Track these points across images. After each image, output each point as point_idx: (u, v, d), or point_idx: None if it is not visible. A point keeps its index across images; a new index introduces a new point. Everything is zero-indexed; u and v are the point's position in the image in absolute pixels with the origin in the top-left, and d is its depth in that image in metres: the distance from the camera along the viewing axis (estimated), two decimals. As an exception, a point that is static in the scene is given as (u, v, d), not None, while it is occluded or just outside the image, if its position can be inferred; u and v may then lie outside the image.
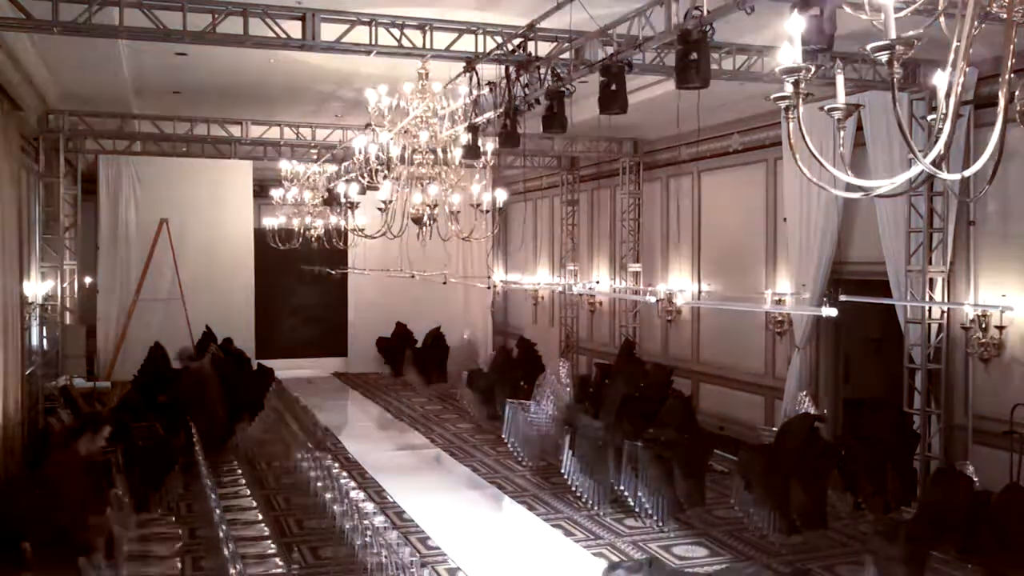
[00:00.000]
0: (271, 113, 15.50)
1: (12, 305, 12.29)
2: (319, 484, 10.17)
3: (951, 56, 2.56)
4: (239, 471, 10.75)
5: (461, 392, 16.23)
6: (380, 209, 9.74)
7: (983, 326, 10.02)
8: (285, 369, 21.67)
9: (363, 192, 11.14)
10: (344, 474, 9.99)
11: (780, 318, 13.29)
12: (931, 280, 10.58)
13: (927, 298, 10.54)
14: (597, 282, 18.80)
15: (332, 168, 15.62)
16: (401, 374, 19.72)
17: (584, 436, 10.70)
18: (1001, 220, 9.99)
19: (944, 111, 2.61)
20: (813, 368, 12.73)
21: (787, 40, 2.70)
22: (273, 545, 7.87)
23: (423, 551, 8.99)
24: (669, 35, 7.45)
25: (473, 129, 9.58)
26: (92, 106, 14.93)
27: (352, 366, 22.06)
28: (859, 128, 10.80)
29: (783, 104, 2.79)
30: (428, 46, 9.05)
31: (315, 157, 15.89)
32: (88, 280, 20.13)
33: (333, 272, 20.41)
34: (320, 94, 14.16)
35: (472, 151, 9.54)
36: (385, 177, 9.80)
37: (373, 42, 8.91)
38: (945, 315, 10.56)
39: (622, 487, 10.30)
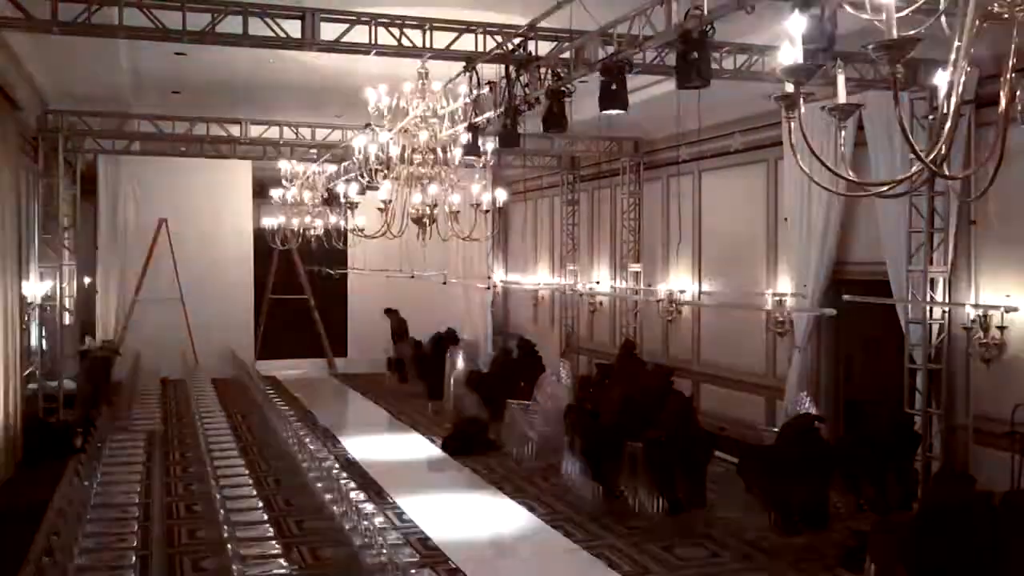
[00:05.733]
0: (270, 113, 15.49)
1: (11, 305, 12.29)
2: (319, 485, 10.16)
3: (952, 56, 2.55)
4: (243, 471, 10.73)
5: (458, 391, 16.14)
6: (380, 209, 9.75)
7: (984, 326, 10.00)
8: (284, 369, 21.71)
9: (363, 192, 11.14)
10: (344, 474, 9.98)
11: (781, 318, 13.27)
12: (932, 280, 10.55)
13: (928, 298, 10.52)
14: (597, 282, 18.78)
15: (332, 168, 15.61)
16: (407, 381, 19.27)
17: (584, 437, 10.70)
18: (1002, 220, 9.97)
19: (945, 111, 2.60)
20: (814, 368, 12.71)
21: (787, 40, 2.69)
22: (277, 545, 7.86)
23: (423, 551, 8.98)
24: (669, 35, 7.44)
25: (473, 129, 9.56)
26: (91, 106, 14.92)
27: (352, 366, 22.06)
28: (860, 128, 10.78)
29: (783, 104, 2.78)
30: (428, 46, 9.04)
31: (315, 157, 15.88)
32: (87, 280, 20.13)
33: (333, 272, 20.41)
34: (320, 94, 14.16)
35: (472, 151, 9.52)
36: (385, 177, 9.80)
37: (373, 42, 8.90)
38: (946, 315, 10.54)
39: (622, 488, 10.29)
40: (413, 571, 6.88)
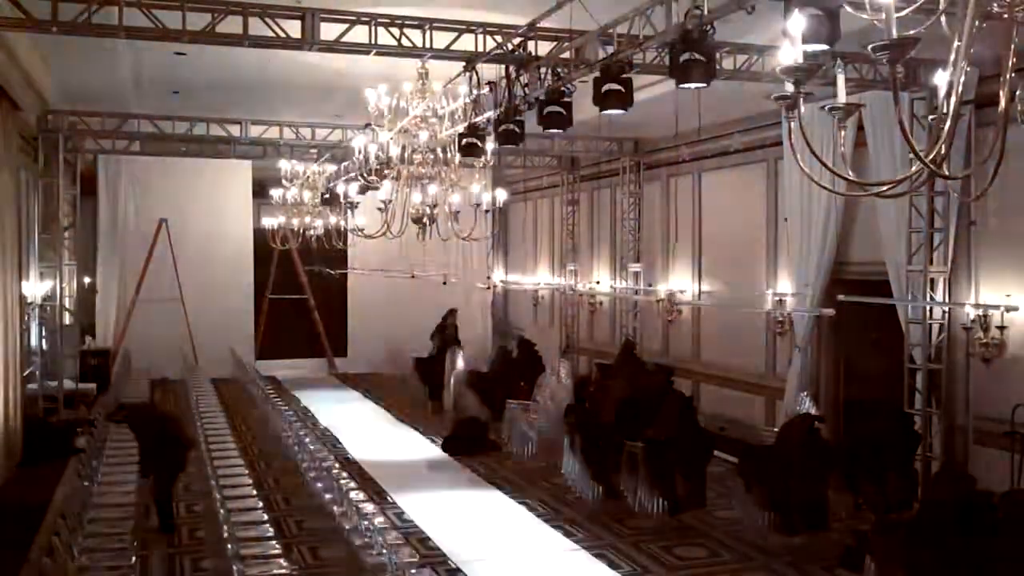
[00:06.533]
0: (270, 113, 15.48)
1: (11, 305, 12.29)
2: (319, 485, 10.16)
3: (952, 56, 2.55)
4: (243, 471, 10.73)
5: (458, 391, 16.12)
6: (380, 209, 9.75)
7: (984, 326, 10.01)
8: (284, 369, 21.71)
9: (363, 192, 11.15)
10: (344, 474, 9.97)
11: (781, 318, 13.27)
12: (932, 280, 10.55)
13: (928, 298, 10.52)
14: (597, 282, 18.78)
15: (332, 168, 15.61)
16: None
17: (584, 437, 10.70)
18: (1002, 220, 9.97)
19: (945, 111, 2.60)
20: (814, 368, 12.71)
21: (787, 39, 2.69)
22: (277, 545, 7.86)
23: (423, 551, 8.98)
24: (669, 35, 7.44)
25: (473, 129, 9.56)
26: (91, 106, 14.92)
27: (352, 366, 22.06)
28: (860, 128, 10.78)
29: (784, 104, 2.78)
30: (428, 46, 9.04)
31: (315, 157, 15.88)
32: (87, 280, 20.14)
33: (333, 272, 20.41)
34: (319, 94, 14.15)
35: (472, 151, 9.52)
36: (385, 177, 9.80)
37: (373, 42, 8.89)
38: (946, 315, 10.54)
39: (623, 488, 10.31)
40: (413, 571, 6.87)
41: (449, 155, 9.74)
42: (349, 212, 11.71)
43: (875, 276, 11.41)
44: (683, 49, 7.12)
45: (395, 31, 8.95)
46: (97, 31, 8.40)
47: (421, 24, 8.98)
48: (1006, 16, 2.48)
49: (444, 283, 17.69)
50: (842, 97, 2.79)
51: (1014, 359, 9.76)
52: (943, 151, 2.61)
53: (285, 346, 22.56)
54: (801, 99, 2.75)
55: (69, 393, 15.47)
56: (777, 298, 13.27)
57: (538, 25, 8.81)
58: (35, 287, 14.76)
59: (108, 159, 19.45)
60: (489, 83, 9.32)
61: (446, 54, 9.14)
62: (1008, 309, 9.75)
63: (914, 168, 2.86)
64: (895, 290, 10.95)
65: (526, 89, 9.08)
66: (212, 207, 20.57)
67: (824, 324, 12.46)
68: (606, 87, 7.98)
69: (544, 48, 9.21)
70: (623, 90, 7.99)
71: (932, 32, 2.68)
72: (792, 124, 2.83)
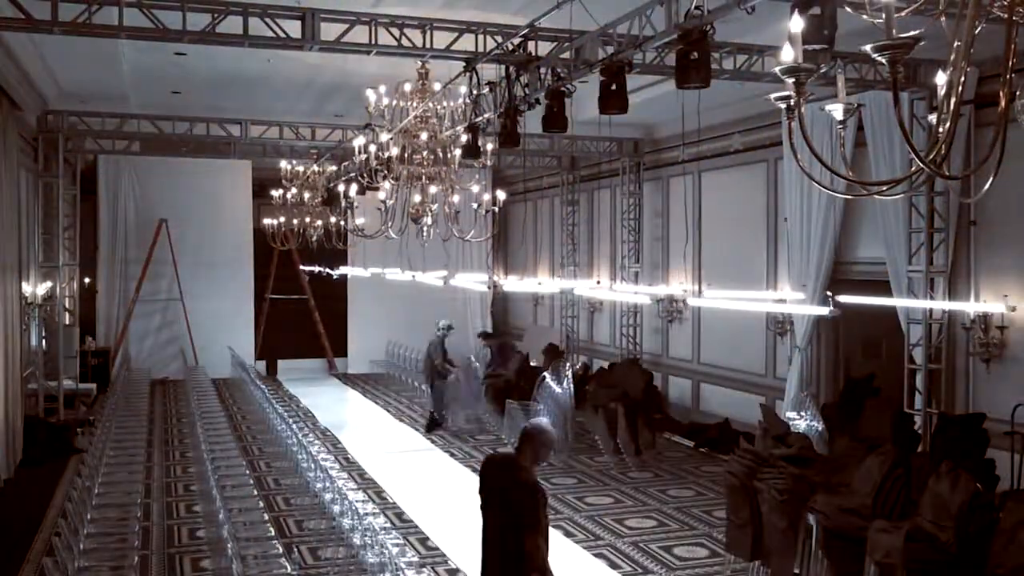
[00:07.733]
0: (270, 113, 15.49)
1: (11, 305, 12.29)
2: (319, 485, 10.15)
3: (952, 56, 2.55)
4: (243, 471, 10.73)
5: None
6: (380, 209, 9.75)
7: (984, 326, 10.01)
8: (284, 369, 21.72)
9: (363, 192, 11.15)
10: (344, 474, 9.98)
11: (780, 318, 13.27)
12: (932, 280, 10.56)
13: (928, 298, 10.52)
14: (598, 282, 18.77)
15: (332, 168, 15.62)
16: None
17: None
18: (1002, 220, 9.97)
19: (945, 111, 2.60)
20: (813, 368, 12.71)
21: (787, 39, 2.69)
22: (277, 545, 7.86)
23: (423, 551, 8.99)
24: (669, 35, 7.44)
25: (473, 129, 9.56)
26: (91, 106, 14.92)
27: (352, 366, 22.07)
28: (860, 128, 10.78)
29: (784, 104, 2.77)
30: (428, 46, 9.04)
31: (315, 157, 15.89)
32: (87, 280, 20.16)
33: (333, 272, 20.42)
34: (320, 94, 14.15)
35: (472, 151, 9.52)
36: (385, 177, 9.80)
37: (373, 42, 8.90)
38: (946, 315, 10.54)
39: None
40: (413, 571, 6.87)
41: (449, 155, 9.74)
42: (349, 212, 11.70)
43: (876, 276, 11.41)
44: (683, 49, 7.12)
45: (395, 31, 8.95)
46: (97, 31, 8.40)
47: (421, 24, 8.99)
48: (1006, 16, 2.48)
49: (444, 283, 17.69)
50: (842, 97, 2.79)
51: (1014, 359, 9.76)
52: (943, 151, 2.61)
53: (285, 346, 22.56)
54: (802, 99, 2.75)
55: (69, 393, 15.46)
56: (777, 298, 13.26)
57: (538, 25, 8.80)
58: (35, 287, 14.75)
59: (108, 159, 19.47)
60: (489, 83, 9.32)
61: (446, 54, 9.14)
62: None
63: (914, 168, 2.86)
64: (895, 290, 10.95)
65: (526, 89, 9.07)
66: (212, 207, 20.58)
67: (824, 324, 12.45)
68: (609, 89, 7.99)
69: (544, 48, 9.22)
70: (621, 91, 7.99)
71: (932, 32, 2.68)
72: (792, 124, 2.82)
